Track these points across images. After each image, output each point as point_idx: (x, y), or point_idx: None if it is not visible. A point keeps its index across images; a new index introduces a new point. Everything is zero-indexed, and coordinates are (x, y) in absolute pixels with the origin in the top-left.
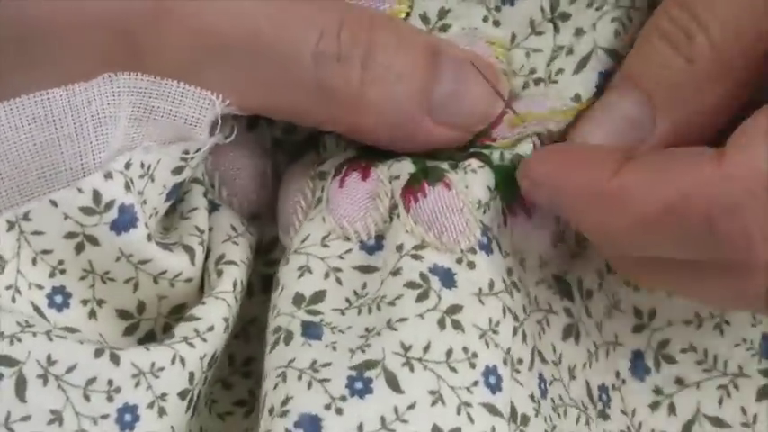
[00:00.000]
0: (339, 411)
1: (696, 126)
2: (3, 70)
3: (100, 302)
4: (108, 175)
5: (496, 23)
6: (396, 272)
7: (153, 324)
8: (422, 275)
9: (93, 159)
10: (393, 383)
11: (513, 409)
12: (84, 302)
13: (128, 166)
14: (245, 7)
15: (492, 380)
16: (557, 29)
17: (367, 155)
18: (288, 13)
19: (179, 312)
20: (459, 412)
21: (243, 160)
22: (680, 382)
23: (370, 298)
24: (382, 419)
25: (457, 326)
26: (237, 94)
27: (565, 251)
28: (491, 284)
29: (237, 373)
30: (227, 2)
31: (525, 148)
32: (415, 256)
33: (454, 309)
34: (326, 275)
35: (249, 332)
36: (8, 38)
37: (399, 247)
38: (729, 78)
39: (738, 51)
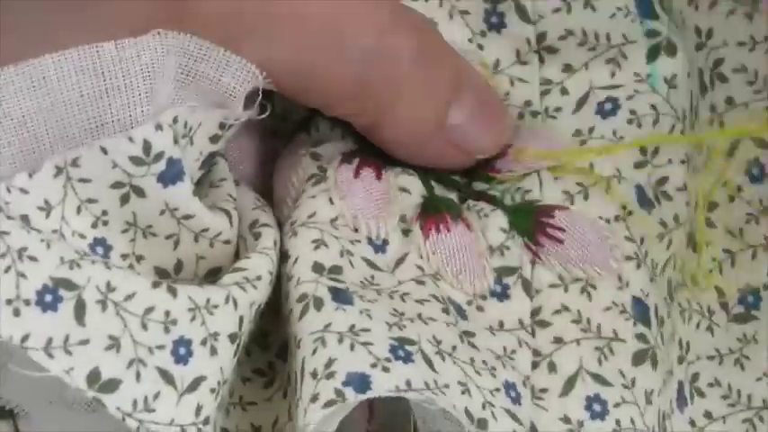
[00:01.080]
0: (386, 369)
1: None
2: (50, 31)
3: (139, 258)
4: (158, 127)
5: (480, 47)
6: (419, 282)
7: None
8: (442, 298)
9: (142, 111)
10: (429, 363)
11: (534, 427)
12: (124, 257)
13: (175, 121)
14: None
15: (512, 393)
16: (542, 60)
17: (368, 150)
18: (341, 2)
19: (215, 276)
20: (484, 408)
21: (248, 145)
22: (709, 416)
23: (388, 289)
24: (426, 384)
25: (473, 346)
26: (274, 75)
27: (646, 273)
28: (501, 324)
29: (255, 344)
30: None
31: (531, 182)
32: (434, 281)
33: (468, 333)
34: (341, 254)
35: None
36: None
37: (419, 267)
38: None
39: None
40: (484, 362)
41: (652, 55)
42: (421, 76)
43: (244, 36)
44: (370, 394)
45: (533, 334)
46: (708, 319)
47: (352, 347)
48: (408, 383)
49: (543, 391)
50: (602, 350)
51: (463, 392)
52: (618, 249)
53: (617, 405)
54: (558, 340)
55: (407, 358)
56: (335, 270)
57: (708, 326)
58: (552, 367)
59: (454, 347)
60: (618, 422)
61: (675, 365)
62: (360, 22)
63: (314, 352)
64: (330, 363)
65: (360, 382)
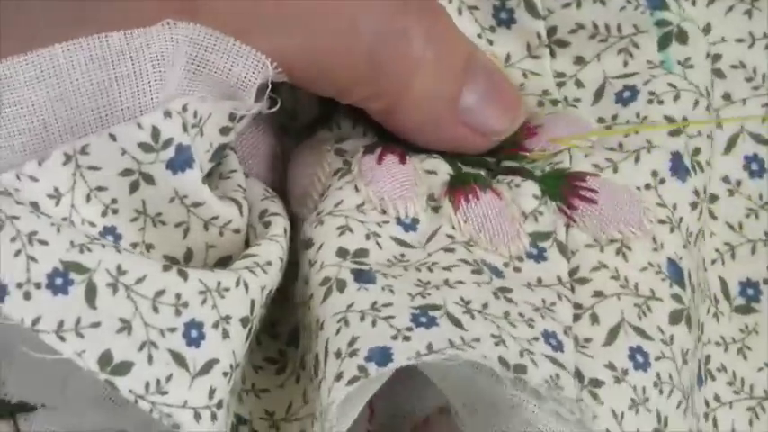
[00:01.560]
0: (407, 338)
1: None
2: (56, 26)
3: (149, 247)
4: (167, 114)
5: (490, 42)
6: (448, 249)
7: None
8: (474, 261)
9: (152, 99)
10: (457, 323)
11: (579, 372)
12: (134, 245)
13: (184, 109)
14: None
15: (552, 341)
16: (553, 54)
17: (390, 143)
18: None
19: (224, 264)
20: (521, 356)
21: (258, 140)
22: (717, 399)
23: (417, 262)
24: (450, 341)
25: (509, 300)
26: (286, 64)
27: (679, 238)
28: (539, 280)
29: (265, 333)
30: None
31: (561, 157)
32: (467, 247)
33: (504, 290)
34: (367, 237)
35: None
36: None
37: (450, 236)
38: None
39: None
40: (520, 314)
41: (663, 43)
42: (432, 58)
43: (255, 25)
44: (391, 366)
45: (573, 290)
46: (714, 306)
47: (374, 324)
48: (430, 347)
49: (587, 340)
50: (641, 307)
51: (497, 344)
52: (651, 211)
53: (658, 359)
54: (599, 294)
55: (430, 323)
56: (360, 253)
57: (714, 313)
58: (595, 318)
59: (485, 305)
60: (658, 375)
61: (695, 345)
62: (370, 4)
63: (337, 332)
64: (353, 341)
65: (381, 355)
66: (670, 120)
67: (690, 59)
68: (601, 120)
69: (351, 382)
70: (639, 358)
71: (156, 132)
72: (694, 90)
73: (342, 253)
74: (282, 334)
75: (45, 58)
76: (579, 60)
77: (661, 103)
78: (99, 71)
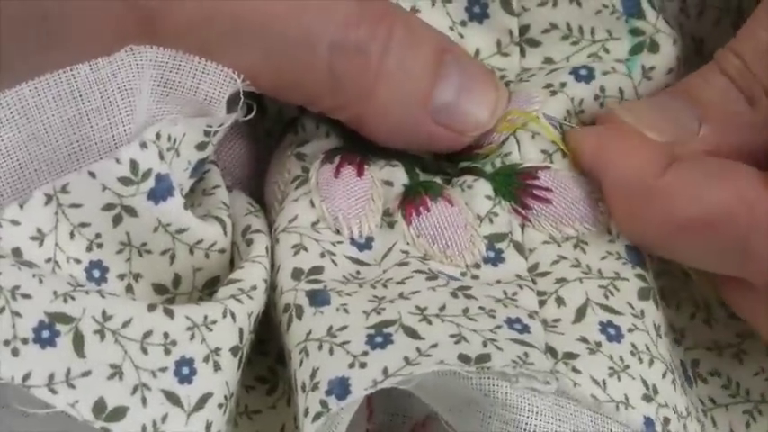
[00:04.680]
0: (363, 365)
1: (742, 154)
2: (22, 53)
3: (137, 277)
4: (143, 145)
5: (461, 36)
6: (403, 263)
7: (188, 299)
8: (430, 270)
9: (124, 130)
10: (413, 334)
11: (552, 348)
12: (121, 277)
13: (158, 136)
14: None
15: (517, 326)
16: (523, 52)
17: (352, 146)
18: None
19: (213, 286)
20: (485, 345)
21: (243, 149)
22: (713, 401)
23: (371, 279)
24: (406, 359)
25: (469, 297)
26: (250, 77)
27: None
28: (498, 282)
29: (254, 351)
30: None
31: (510, 146)
32: (422, 261)
33: (463, 288)
34: (322, 255)
35: None
36: (26, 21)
37: (405, 252)
38: None
39: None
40: (481, 307)
41: (635, 52)
42: (394, 66)
43: (216, 42)
44: (350, 399)
45: (534, 282)
46: (704, 312)
47: (331, 352)
48: (385, 371)
49: (556, 320)
50: (607, 288)
51: (457, 342)
52: (603, 203)
53: (630, 330)
54: (561, 280)
55: (386, 342)
56: (315, 271)
57: (705, 319)
58: (560, 301)
59: (442, 307)
60: (634, 345)
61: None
62: (325, 17)
63: (300, 364)
64: (314, 373)
65: (340, 386)
66: None
67: (653, 70)
68: (548, 85)
69: (316, 417)
70: (611, 331)
71: (134, 165)
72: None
73: (297, 274)
74: (271, 351)
75: (13, 99)
76: (548, 61)
77: (601, 107)
78: (68, 107)
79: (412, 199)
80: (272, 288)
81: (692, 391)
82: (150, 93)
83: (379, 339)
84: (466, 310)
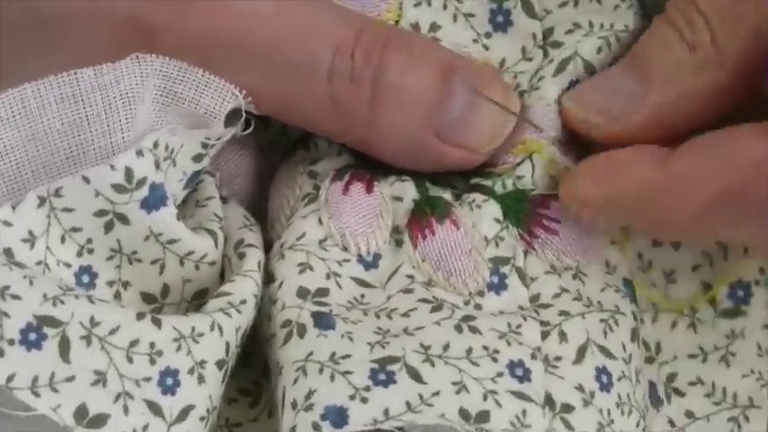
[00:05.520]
0: (364, 400)
1: (684, 108)
2: (20, 57)
3: (125, 285)
4: (139, 153)
5: (485, 47)
6: (407, 290)
7: (176, 310)
8: (435, 298)
9: (123, 137)
10: (416, 376)
11: (550, 398)
12: (110, 284)
13: (156, 145)
14: (267, 14)
15: (519, 372)
16: (546, 54)
17: (365, 164)
18: (308, 24)
19: (201, 298)
20: (485, 399)
21: (243, 160)
22: (690, 415)
23: (376, 307)
24: (408, 404)
25: (474, 330)
26: (252, 96)
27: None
28: (501, 311)
29: (239, 364)
30: (250, 5)
31: (524, 169)
32: (426, 287)
33: (468, 318)
34: (328, 276)
35: None
36: (25, 25)
37: (410, 276)
38: (725, 70)
39: (737, 46)
40: (484, 347)
41: None
42: (395, 87)
43: (217, 62)
44: (346, 429)
45: (537, 313)
46: (690, 316)
47: (332, 378)
48: (386, 412)
49: (558, 359)
50: (607, 322)
51: (458, 392)
52: (605, 236)
53: (619, 379)
54: (564, 313)
55: (389, 380)
56: (320, 293)
57: (690, 323)
58: (563, 336)
59: (446, 346)
60: (619, 396)
61: (643, 364)
62: (325, 44)
63: (295, 381)
64: (310, 394)
65: (338, 415)
66: None
67: None
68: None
69: None
70: (604, 379)
71: (129, 173)
72: None
73: (302, 293)
74: (256, 364)
75: (15, 98)
76: (563, 50)
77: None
78: (70, 110)
79: (418, 219)
80: (271, 302)
81: (658, 413)
82: (152, 102)
83: (382, 377)
84: (469, 351)
